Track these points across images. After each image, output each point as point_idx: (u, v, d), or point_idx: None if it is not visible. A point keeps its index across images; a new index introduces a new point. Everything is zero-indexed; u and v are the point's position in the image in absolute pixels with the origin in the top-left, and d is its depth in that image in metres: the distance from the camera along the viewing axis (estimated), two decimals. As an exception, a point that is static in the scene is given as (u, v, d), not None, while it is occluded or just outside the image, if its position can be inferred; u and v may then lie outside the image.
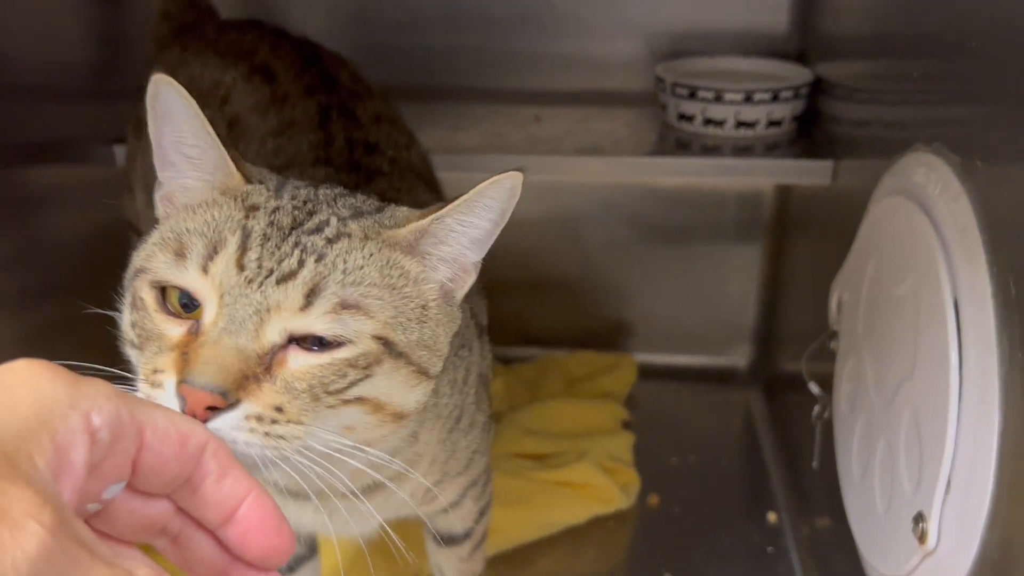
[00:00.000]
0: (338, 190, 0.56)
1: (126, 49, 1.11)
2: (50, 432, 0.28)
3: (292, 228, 0.50)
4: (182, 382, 0.45)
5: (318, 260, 0.49)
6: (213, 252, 0.48)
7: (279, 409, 0.47)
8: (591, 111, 1.14)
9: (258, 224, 0.49)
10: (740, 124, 1.02)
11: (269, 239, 0.49)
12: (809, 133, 1.05)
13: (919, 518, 0.60)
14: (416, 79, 1.20)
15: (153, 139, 0.52)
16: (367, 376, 0.50)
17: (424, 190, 0.78)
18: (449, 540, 0.82)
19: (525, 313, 1.34)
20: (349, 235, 0.51)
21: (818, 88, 1.03)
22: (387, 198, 0.59)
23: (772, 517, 1.02)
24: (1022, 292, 0.50)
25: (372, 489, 0.61)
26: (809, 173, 0.96)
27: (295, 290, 0.48)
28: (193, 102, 0.50)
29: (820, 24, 1.06)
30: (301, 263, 0.48)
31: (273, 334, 0.48)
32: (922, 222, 0.63)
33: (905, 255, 0.66)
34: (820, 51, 1.05)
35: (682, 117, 1.05)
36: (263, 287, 0.47)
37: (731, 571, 0.95)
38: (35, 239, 0.92)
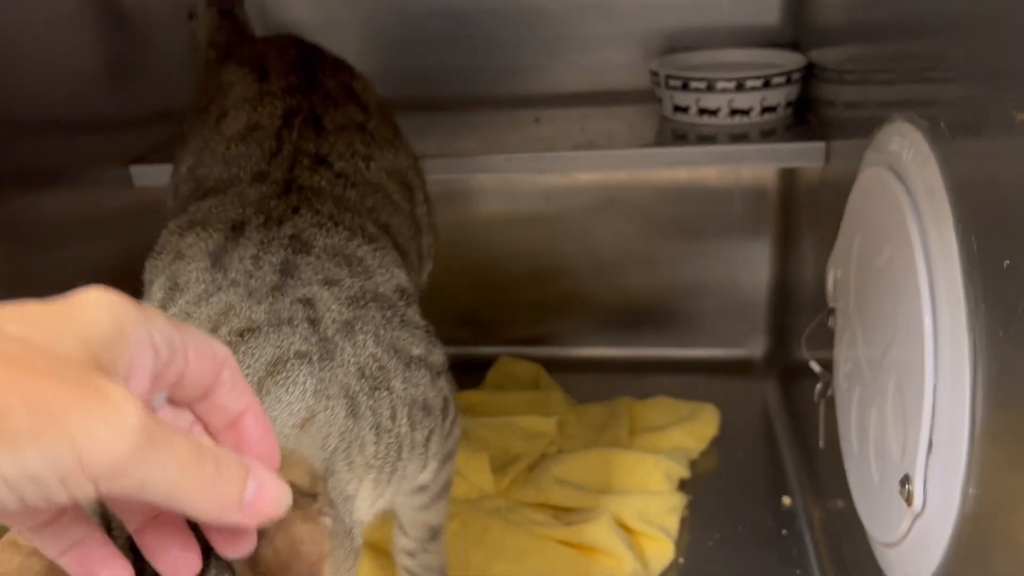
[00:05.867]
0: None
1: (139, 76, 1.15)
2: (126, 343, 0.34)
3: None
4: None
5: None
6: None
7: None
8: (589, 111, 1.16)
9: None
10: (734, 112, 1.03)
11: None
12: (805, 119, 1.06)
13: (905, 480, 0.60)
14: (417, 92, 1.23)
15: None
16: None
17: (381, 201, 0.78)
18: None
19: (536, 312, 1.36)
20: None
21: (811, 74, 1.04)
22: (302, 242, 0.66)
23: (787, 501, 1.03)
24: (983, 247, 0.51)
25: None
26: (802, 156, 0.97)
27: None
28: None
29: (811, 12, 1.07)
30: None
31: None
32: (896, 189, 0.63)
33: (883, 224, 0.66)
34: (812, 38, 1.06)
35: (677, 109, 1.06)
36: None
37: (746, 554, 0.96)
38: (54, 264, 0.95)
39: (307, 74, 0.84)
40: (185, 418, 0.39)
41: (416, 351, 0.69)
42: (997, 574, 0.52)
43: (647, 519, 0.97)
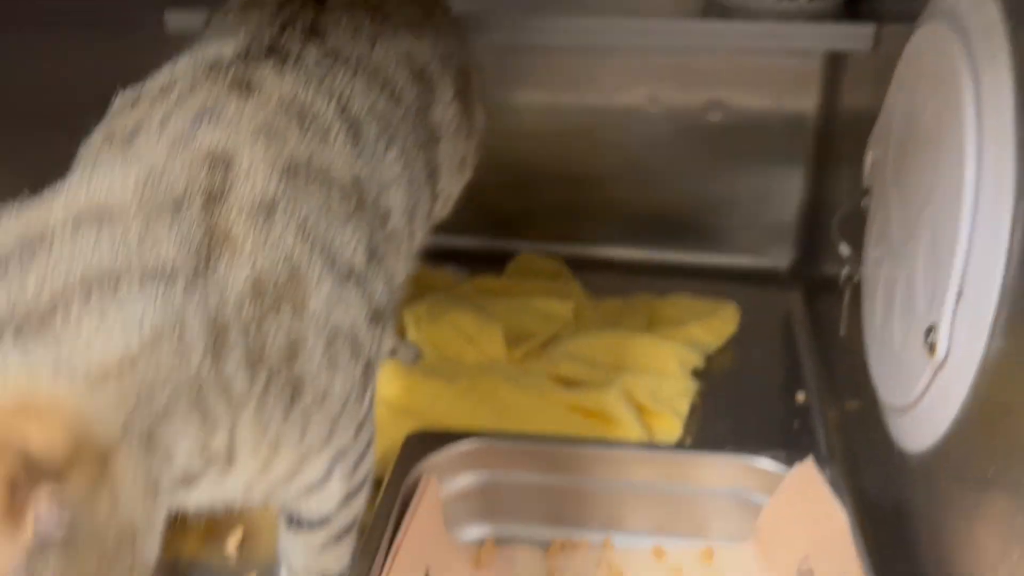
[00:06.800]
0: None
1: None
2: None
3: None
4: None
5: None
6: None
7: None
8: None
9: None
10: (784, -6, 1.00)
11: None
12: (856, 8, 1.03)
13: (930, 330, 0.59)
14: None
15: None
16: None
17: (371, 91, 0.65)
18: (299, 523, 0.64)
19: (567, 208, 1.34)
20: None
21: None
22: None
23: (800, 397, 1.01)
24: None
25: None
26: (850, 38, 0.94)
27: None
28: None
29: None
30: None
31: None
32: (948, 37, 0.61)
33: (931, 77, 0.64)
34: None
35: (726, -11, 1.04)
36: None
37: (756, 439, 0.94)
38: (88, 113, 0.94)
39: None
40: None
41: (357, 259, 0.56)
42: (1009, 433, 0.51)
43: (657, 398, 0.96)
